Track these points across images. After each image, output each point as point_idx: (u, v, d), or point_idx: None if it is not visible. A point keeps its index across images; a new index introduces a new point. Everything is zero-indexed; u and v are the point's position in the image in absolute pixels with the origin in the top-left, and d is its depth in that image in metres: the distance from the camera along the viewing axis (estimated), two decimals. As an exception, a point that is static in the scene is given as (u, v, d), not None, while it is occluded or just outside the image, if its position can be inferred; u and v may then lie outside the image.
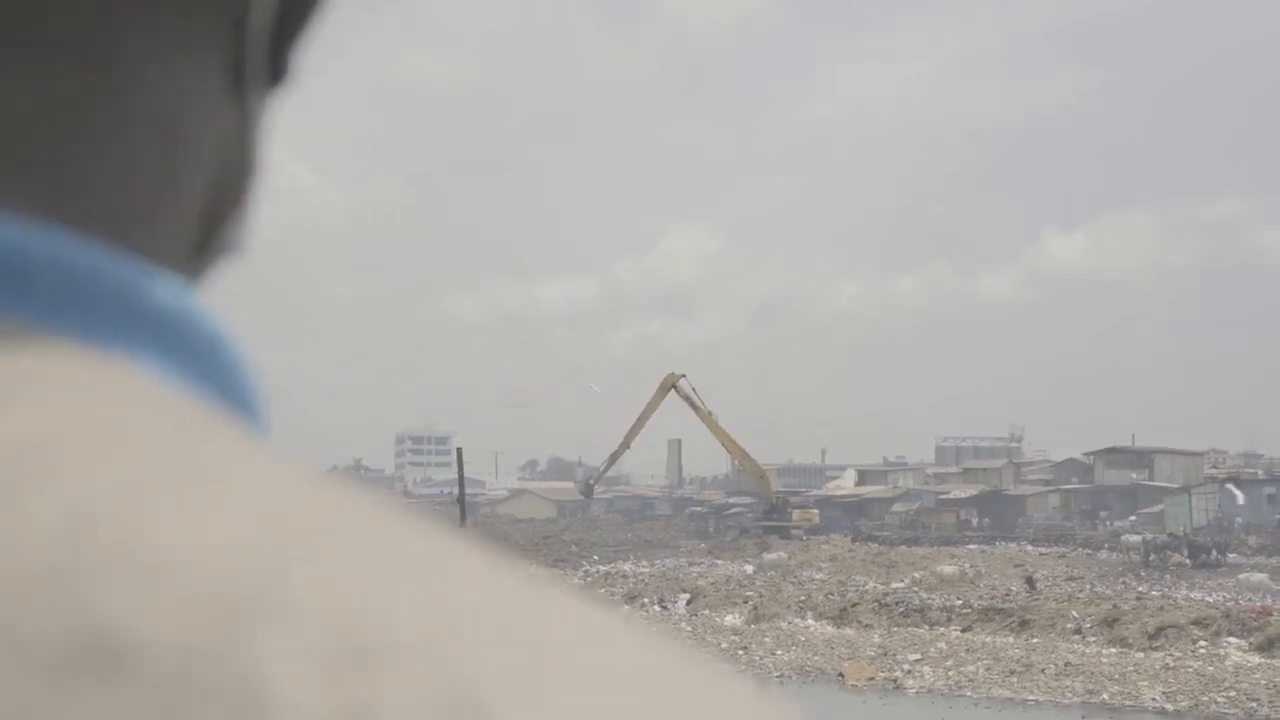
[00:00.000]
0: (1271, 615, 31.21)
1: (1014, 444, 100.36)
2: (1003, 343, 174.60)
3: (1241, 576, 42.44)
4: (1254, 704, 24.90)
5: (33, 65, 0.33)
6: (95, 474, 0.26)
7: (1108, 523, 68.34)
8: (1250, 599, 36.62)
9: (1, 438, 0.26)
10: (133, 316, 0.31)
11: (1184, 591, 39.00)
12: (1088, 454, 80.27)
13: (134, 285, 0.31)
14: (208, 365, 0.33)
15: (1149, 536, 52.46)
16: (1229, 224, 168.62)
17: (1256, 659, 28.37)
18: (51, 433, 0.26)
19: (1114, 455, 77.93)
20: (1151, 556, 48.43)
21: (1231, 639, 29.72)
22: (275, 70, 0.40)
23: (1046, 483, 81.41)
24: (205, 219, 0.39)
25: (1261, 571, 43.80)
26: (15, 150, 0.33)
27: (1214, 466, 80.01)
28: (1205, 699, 25.69)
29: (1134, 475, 75.62)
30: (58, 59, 0.33)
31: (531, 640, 0.26)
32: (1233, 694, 25.72)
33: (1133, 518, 67.30)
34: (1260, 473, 76.72)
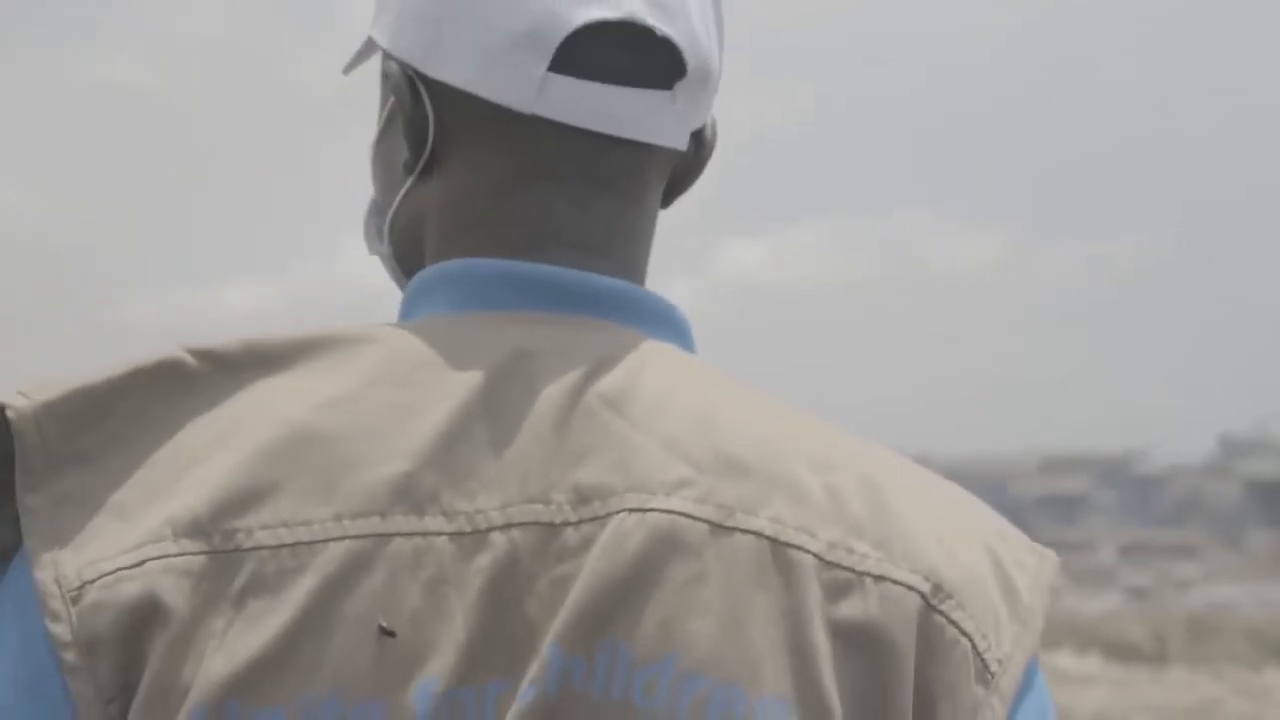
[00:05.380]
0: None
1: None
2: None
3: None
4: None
5: (622, 209, 0.76)
6: (691, 397, 0.69)
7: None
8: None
9: (648, 385, 0.68)
10: (671, 325, 0.75)
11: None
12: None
13: (668, 310, 0.76)
14: (687, 339, 0.76)
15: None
16: (902, 236, 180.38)
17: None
18: (667, 379, 0.69)
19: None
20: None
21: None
22: (665, 201, 0.80)
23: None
24: None
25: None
26: (621, 248, 0.75)
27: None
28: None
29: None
30: (630, 203, 0.76)
31: (895, 463, 0.71)
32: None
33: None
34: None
